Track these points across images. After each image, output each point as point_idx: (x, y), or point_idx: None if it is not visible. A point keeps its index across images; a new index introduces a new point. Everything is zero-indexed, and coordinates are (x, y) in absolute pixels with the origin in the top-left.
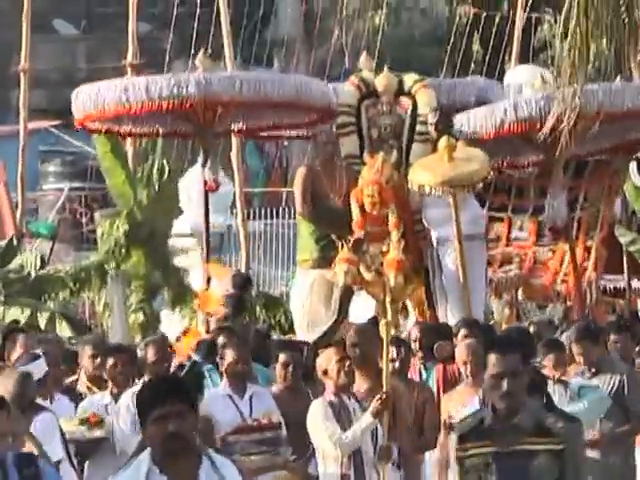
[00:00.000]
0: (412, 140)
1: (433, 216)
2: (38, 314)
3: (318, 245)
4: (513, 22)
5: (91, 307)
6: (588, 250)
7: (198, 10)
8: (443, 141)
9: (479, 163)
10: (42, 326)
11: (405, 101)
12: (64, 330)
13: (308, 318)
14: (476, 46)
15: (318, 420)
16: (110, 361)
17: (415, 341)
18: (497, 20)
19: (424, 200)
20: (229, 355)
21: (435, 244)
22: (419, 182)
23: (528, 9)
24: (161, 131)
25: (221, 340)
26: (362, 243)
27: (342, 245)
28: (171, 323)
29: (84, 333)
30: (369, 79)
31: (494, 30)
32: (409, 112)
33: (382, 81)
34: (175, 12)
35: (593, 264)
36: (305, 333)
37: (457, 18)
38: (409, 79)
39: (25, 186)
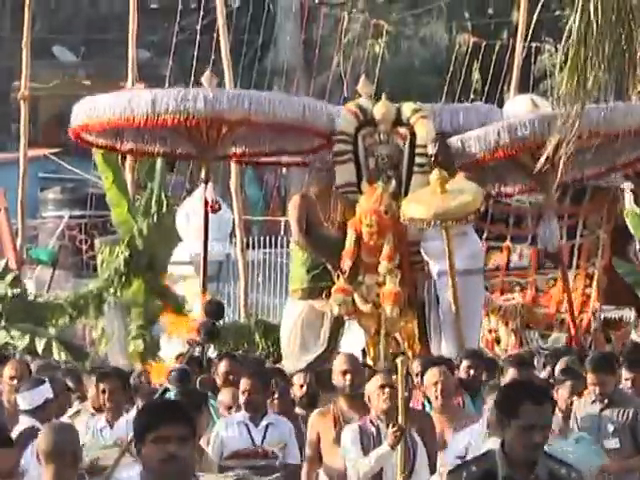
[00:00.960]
0: (411, 171)
1: (433, 249)
2: (36, 339)
3: (309, 275)
4: (513, 51)
5: (90, 334)
6: (590, 277)
7: (198, 37)
8: (435, 174)
9: (472, 195)
10: (40, 351)
11: (403, 131)
12: (61, 356)
13: (296, 348)
14: (476, 75)
15: (344, 444)
16: (100, 387)
17: (417, 375)
18: (497, 49)
19: (424, 232)
20: (242, 384)
21: (434, 277)
22: (411, 215)
23: (529, 38)
24: (161, 151)
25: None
26: (357, 273)
27: (338, 275)
28: (172, 349)
29: (81, 359)
30: (367, 107)
31: (494, 59)
32: (407, 143)
33: (380, 110)
34: (175, 39)
35: (596, 292)
36: (293, 363)
37: (457, 47)
38: (407, 109)
39: (25, 213)
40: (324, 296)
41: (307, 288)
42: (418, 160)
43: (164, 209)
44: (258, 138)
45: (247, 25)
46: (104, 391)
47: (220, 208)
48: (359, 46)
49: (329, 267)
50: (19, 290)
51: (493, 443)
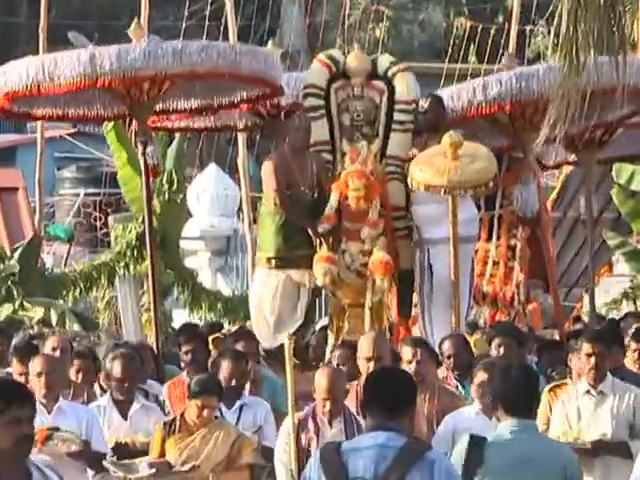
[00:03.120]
0: (389, 129)
1: (425, 214)
2: (51, 311)
3: (286, 243)
4: (508, 34)
5: (105, 305)
6: (512, 249)
7: (207, 23)
8: (448, 137)
9: (487, 160)
10: (54, 323)
11: (379, 85)
12: (73, 327)
13: (271, 323)
14: (472, 57)
15: (279, 433)
16: (75, 365)
17: (449, 357)
18: (492, 32)
19: (415, 196)
20: (224, 368)
21: (426, 245)
22: (427, 182)
23: (522, 21)
24: (90, 114)
25: (216, 351)
26: (340, 241)
27: (320, 243)
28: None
29: (93, 330)
30: (339, 58)
31: (489, 42)
32: (385, 98)
33: (353, 61)
34: (184, 25)
35: (519, 264)
36: (267, 340)
37: (454, 31)
38: (385, 60)
39: (43, 191)
40: (303, 265)
41: (284, 257)
42: (398, 117)
43: (175, 187)
44: (189, 91)
45: (254, 11)
46: (78, 370)
47: (159, 172)
48: (361, 30)
49: (310, 233)
50: (31, 262)
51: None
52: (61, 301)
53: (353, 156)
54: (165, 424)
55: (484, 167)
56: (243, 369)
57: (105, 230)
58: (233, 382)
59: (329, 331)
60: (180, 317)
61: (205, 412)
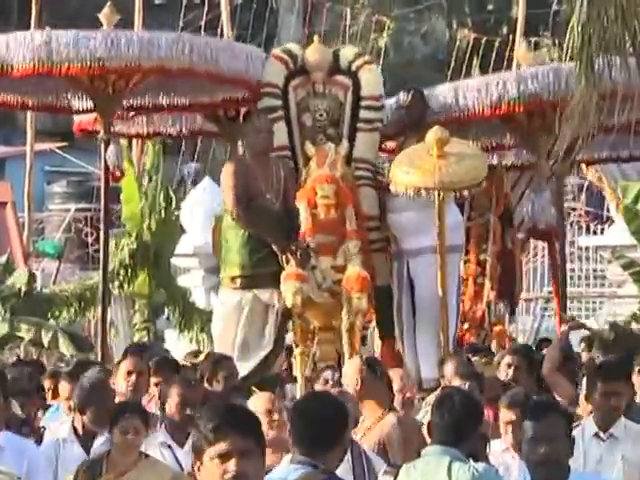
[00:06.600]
0: (355, 129)
1: (405, 222)
2: (42, 331)
3: (252, 259)
4: (512, 46)
5: (95, 326)
6: (482, 265)
7: (202, 32)
8: (434, 133)
9: (477, 159)
10: (45, 343)
11: (343, 80)
12: (67, 348)
13: (238, 350)
14: (476, 70)
15: None
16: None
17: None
18: (496, 44)
19: (393, 203)
20: (172, 397)
21: (405, 257)
22: (414, 184)
23: (527, 32)
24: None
25: (160, 377)
26: (310, 256)
27: (286, 259)
28: (177, 343)
29: (86, 351)
30: (297, 53)
31: (493, 54)
32: (349, 94)
33: (312, 55)
34: (180, 33)
35: (490, 281)
36: None
37: (457, 42)
38: (348, 52)
39: (32, 206)
40: (266, 284)
41: (250, 275)
42: (364, 115)
43: (173, 205)
44: (172, 87)
45: (250, 20)
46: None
47: (122, 177)
48: (362, 41)
49: (275, 248)
50: (26, 285)
51: None
52: (52, 321)
53: (320, 160)
54: (89, 467)
55: (475, 165)
56: (195, 397)
57: (96, 246)
58: (184, 414)
59: (293, 359)
60: (172, 337)
61: (129, 437)
